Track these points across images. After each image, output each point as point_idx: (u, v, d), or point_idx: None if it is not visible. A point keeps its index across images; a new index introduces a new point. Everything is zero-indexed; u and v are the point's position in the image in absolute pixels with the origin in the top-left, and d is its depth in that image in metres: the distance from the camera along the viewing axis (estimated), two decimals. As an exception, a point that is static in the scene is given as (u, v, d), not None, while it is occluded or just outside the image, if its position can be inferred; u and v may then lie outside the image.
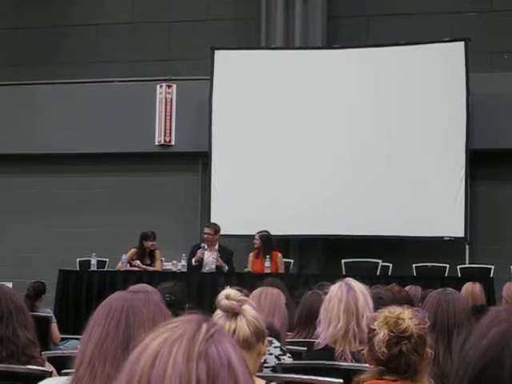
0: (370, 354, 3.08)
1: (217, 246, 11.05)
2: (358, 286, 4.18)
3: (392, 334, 3.01)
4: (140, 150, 13.30)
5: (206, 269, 10.92)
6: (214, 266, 10.89)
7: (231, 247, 11.23)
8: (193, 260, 10.91)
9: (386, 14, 12.99)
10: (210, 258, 10.96)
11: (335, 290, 4.16)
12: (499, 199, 12.40)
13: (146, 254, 11.23)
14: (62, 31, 14.18)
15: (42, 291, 8.76)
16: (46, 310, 8.67)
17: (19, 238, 13.63)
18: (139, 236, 11.25)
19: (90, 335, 2.22)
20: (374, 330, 3.06)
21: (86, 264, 11.78)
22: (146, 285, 4.26)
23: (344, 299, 4.09)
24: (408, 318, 3.04)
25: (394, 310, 3.10)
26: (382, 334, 3.02)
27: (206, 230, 11.14)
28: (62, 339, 8.70)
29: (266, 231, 11.04)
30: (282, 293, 6.61)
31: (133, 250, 11.25)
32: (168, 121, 13.23)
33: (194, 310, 4.52)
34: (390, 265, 11.57)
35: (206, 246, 10.99)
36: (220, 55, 12.76)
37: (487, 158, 12.10)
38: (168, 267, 11.25)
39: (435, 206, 11.76)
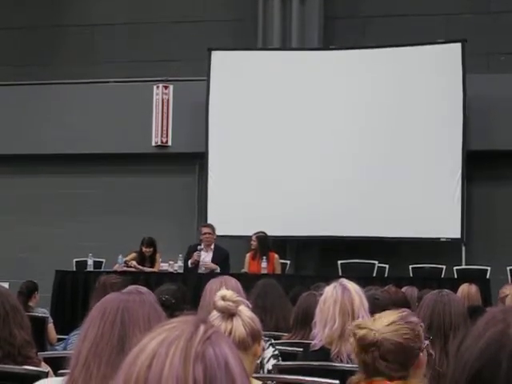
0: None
1: (212, 246, 11.05)
2: (353, 287, 4.17)
3: (357, 343, 2.98)
4: (137, 150, 13.30)
5: (201, 269, 10.91)
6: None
7: (228, 248, 11.22)
8: (189, 262, 10.91)
9: (382, 16, 12.99)
10: (206, 259, 10.96)
11: (330, 291, 4.15)
12: (496, 200, 12.41)
13: (145, 259, 11.20)
14: (60, 31, 14.18)
15: (35, 288, 8.74)
16: (43, 311, 8.65)
17: (15, 239, 13.61)
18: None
19: (86, 336, 2.22)
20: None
21: (82, 264, 11.76)
22: (139, 286, 4.25)
23: (339, 300, 4.08)
24: (384, 324, 2.98)
25: (368, 318, 3.08)
26: (351, 341, 3.01)
27: (206, 229, 11.11)
28: (59, 340, 8.68)
29: (262, 232, 11.04)
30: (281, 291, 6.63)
31: (133, 254, 11.25)
32: (165, 122, 13.23)
33: (191, 312, 4.52)
34: (387, 266, 11.57)
35: (202, 247, 10.99)
36: (217, 56, 12.76)
37: (484, 159, 12.11)
38: (165, 268, 11.23)
39: (432, 207, 11.76)
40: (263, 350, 3.97)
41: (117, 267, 11.00)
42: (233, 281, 4.80)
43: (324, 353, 4.07)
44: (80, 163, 13.57)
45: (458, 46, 11.92)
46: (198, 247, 11.01)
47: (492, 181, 12.38)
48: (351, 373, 3.52)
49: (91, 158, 13.49)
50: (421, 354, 3.00)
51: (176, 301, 5.27)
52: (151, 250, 11.21)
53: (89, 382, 2.16)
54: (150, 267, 11.18)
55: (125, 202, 13.42)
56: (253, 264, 10.95)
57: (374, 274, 11.25)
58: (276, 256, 11.04)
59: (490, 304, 8.10)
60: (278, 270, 10.98)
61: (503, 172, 12.32)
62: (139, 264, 11.12)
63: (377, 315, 3.08)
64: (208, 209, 12.52)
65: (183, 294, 5.70)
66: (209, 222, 11.86)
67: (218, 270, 10.66)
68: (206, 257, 10.97)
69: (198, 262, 10.90)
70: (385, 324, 2.97)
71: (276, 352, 4.54)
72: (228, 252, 11.10)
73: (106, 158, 13.40)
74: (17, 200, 13.80)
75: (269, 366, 4.42)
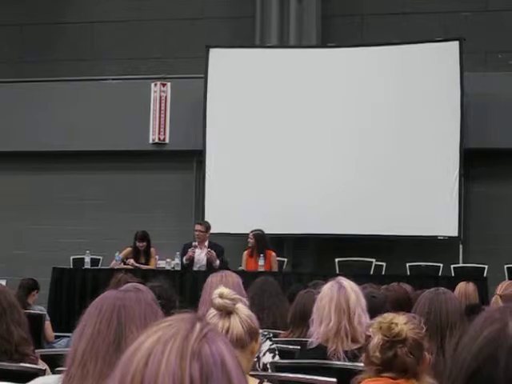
0: (366, 360, 3.10)
1: (207, 243, 11.06)
2: (350, 285, 4.17)
3: (386, 339, 3.02)
4: (134, 148, 13.29)
5: (196, 266, 10.94)
6: (204, 263, 10.90)
7: (225, 245, 11.23)
8: (184, 259, 10.93)
9: (380, 13, 12.99)
10: (201, 256, 10.96)
11: (326, 289, 4.16)
12: (493, 198, 12.41)
13: (140, 253, 11.22)
14: (58, 29, 14.16)
15: (34, 287, 8.74)
16: (40, 308, 8.66)
17: (13, 236, 13.60)
18: None
19: (82, 333, 2.21)
20: (370, 336, 3.08)
21: (79, 262, 11.76)
22: (138, 284, 4.25)
23: (335, 298, 4.09)
24: (402, 322, 3.06)
25: (388, 316, 3.11)
26: (376, 339, 3.04)
27: (198, 227, 11.14)
28: (56, 337, 8.69)
29: (260, 230, 11.04)
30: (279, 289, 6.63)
31: (128, 249, 11.26)
32: (162, 119, 13.22)
33: (184, 305, 4.51)
34: (384, 264, 11.57)
35: (197, 244, 11.00)
36: (215, 53, 12.75)
37: (481, 158, 12.11)
38: (162, 265, 11.25)
39: (429, 206, 11.77)
40: (260, 345, 3.97)
41: (114, 264, 11.01)
42: (233, 275, 4.81)
43: (321, 351, 4.07)
44: (77, 160, 13.55)
45: (456, 44, 11.92)
46: (193, 243, 11.03)
47: (489, 179, 12.38)
48: (348, 371, 3.52)
49: (88, 155, 13.48)
50: (425, 353, 3.05)
51: (162, 300, 5.26)
52: (144, 243, 11.22)
53: (85, 379, 2.16)
54: (146, 262, 11.19)
55: (122, 200, 13.42)
56: (250, 262, 10.96)
57: (372, 272, 11.26)
58: (273, 254, 11.05)
59: (488, 302, 8.10)
60: (275, 268, 10.98)
61: (501, 170, 12.32)
62: (134, 259, 11.13)
63: (385, 315, 3.13)
64: (205, 206, 12.51)
65: (168, 288, 5.68)
66: (206, 219, 11.85)
67: (218, 263, 10.68)
68: (201, 253, 10.98)
69: (193, 258, 10.93)
70: (403, 322, 3.04)
71: (273, 346, 4.53)
72: (223, 247, 11.12)
73: (104, 155, 13.39)
74: (13, 197, 13.78)
75: (265, 359, 4.42)
